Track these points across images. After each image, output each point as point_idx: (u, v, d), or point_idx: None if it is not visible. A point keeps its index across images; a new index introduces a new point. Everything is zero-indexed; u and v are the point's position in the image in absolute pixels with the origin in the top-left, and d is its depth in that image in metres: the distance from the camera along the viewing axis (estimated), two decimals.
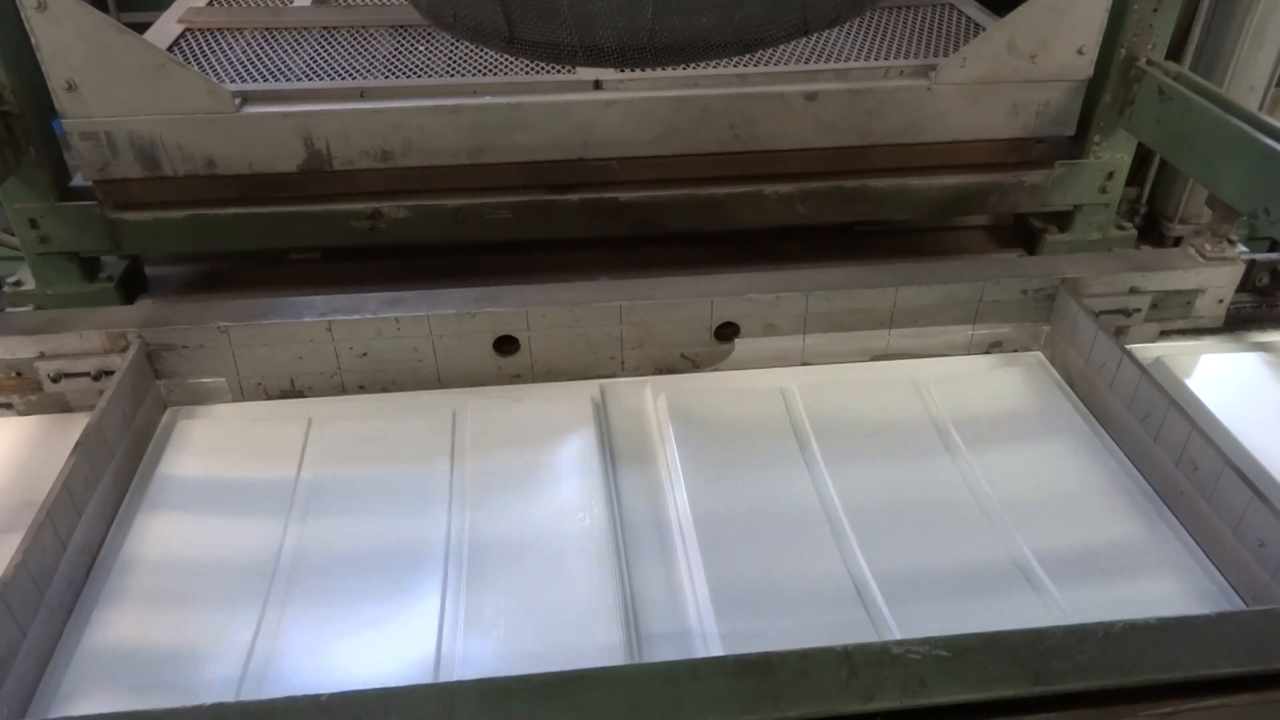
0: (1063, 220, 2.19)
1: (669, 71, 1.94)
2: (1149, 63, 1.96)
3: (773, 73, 2.02)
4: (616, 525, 1.51)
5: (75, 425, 1.53)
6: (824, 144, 2.01)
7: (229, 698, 1.23)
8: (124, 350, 1.67)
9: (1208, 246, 1.87)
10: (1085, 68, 1.99)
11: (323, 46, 2.09)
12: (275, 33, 2.15)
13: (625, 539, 1.50)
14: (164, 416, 1.75)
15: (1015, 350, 1.92)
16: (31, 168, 1.87)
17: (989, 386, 1.82)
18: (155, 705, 1.00)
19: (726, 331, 1.82)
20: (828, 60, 2.07)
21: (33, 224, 1.92)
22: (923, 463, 1.64)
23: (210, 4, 2.27)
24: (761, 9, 1.37)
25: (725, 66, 1.99)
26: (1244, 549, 1.39)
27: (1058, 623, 1.27)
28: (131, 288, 2.08)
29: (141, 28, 1.98)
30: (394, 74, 1.98)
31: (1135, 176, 2.27)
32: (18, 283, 2.02)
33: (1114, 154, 2.10)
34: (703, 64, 1.96)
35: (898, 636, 1.32)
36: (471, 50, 2.08)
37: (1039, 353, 1.91)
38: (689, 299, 1.78)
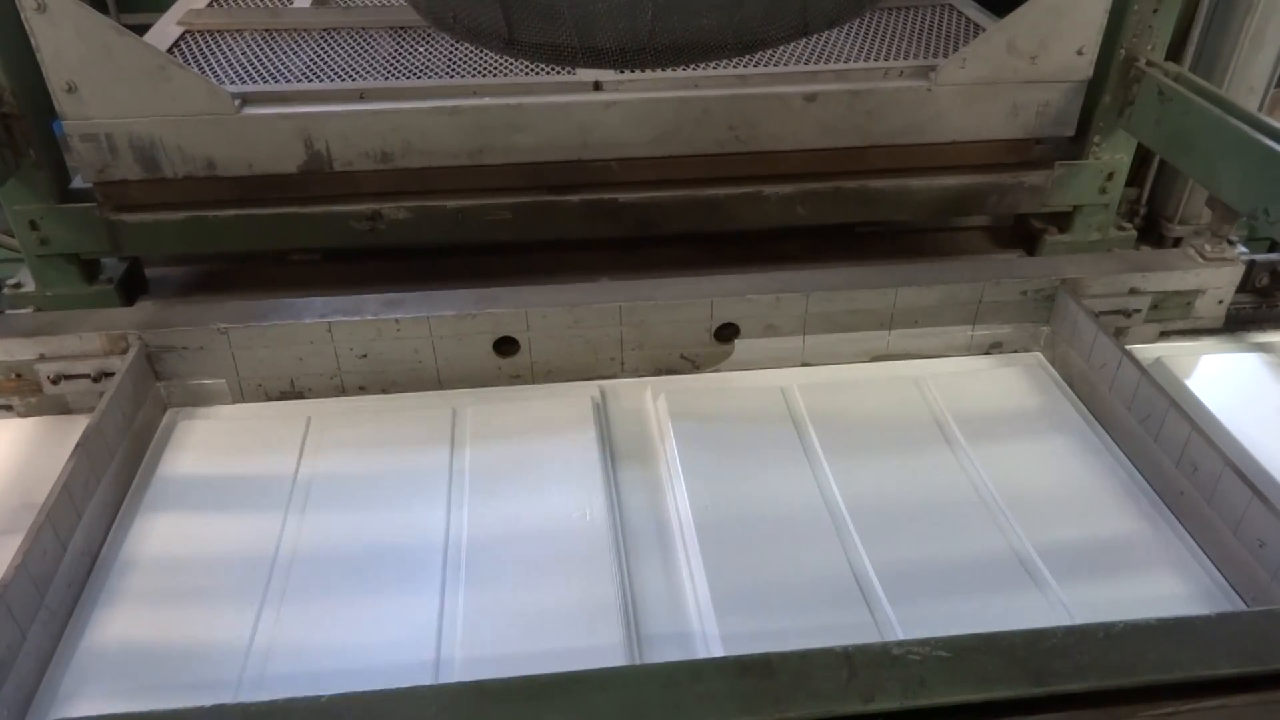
0: (1062, 221, 2.19)
1: (669, 72, 1.94)
2: (1149, 63, 1.96)
3: (773, 74, 2.02)
4: (616, 525, 1.51)
5: (75, 427, 1.53)
6: (824, 145, 2.01)
7: (228, 698, 1.23)
8: (124, 352, 1.67)
9: (1207, 247, 1.87)
10: (1085, 68, 1.99)
11: (322, 48, 2.09)
12: (275, 34, 2.15)
13: (625, 539, 1.50)
14: (164, 418, 1.75)
15: (1015, 351, 1.92)
16: (31, 169, 1.87)
17: (989, 386, 1.82)
18: (155, 706, 1.00)
19: (726, 332, 1.82)
20: (828, 61, 2.07)
21: (32, 226, 1.92)
22: (923, 462, 1.64)
23: (210, 5, 2.27)
24: (761, 10, 1.37)
25: (725, 67, 1.99)
26: (1244, 549, 1.39)
27: (1060, 623, 1.28)
28: (131, 289, 2.08)
29: (141, 29, 1.98)
30: (394, 75, 1.98)
31: (1135, 177, 2.27)
32: (17, 284, 2.02)
33: (1114, 155, 2.10)
34: (703, 65, 1.96)
35: (901, 636, 1.32)
36: (471, 51, 2.08)
37: (1039, 353, 1.91)
38: (689, 300, 1.78)
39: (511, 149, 1.94)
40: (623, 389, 1.82)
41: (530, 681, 1.01)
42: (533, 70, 2.00)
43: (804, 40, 2.08)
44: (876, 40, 2.16)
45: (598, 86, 1.95)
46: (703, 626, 1.36)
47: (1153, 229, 2.38)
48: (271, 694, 1.01)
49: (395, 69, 2.01)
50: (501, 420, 1.72)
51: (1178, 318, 1.92)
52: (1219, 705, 1.06)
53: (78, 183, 1.96)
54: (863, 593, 1.41)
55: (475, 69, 2.01)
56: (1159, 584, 1.42)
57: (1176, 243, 2.34)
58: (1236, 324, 1.95)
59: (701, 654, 1.32)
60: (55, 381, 1.70)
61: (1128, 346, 1.73)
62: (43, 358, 1.68)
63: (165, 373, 1.74)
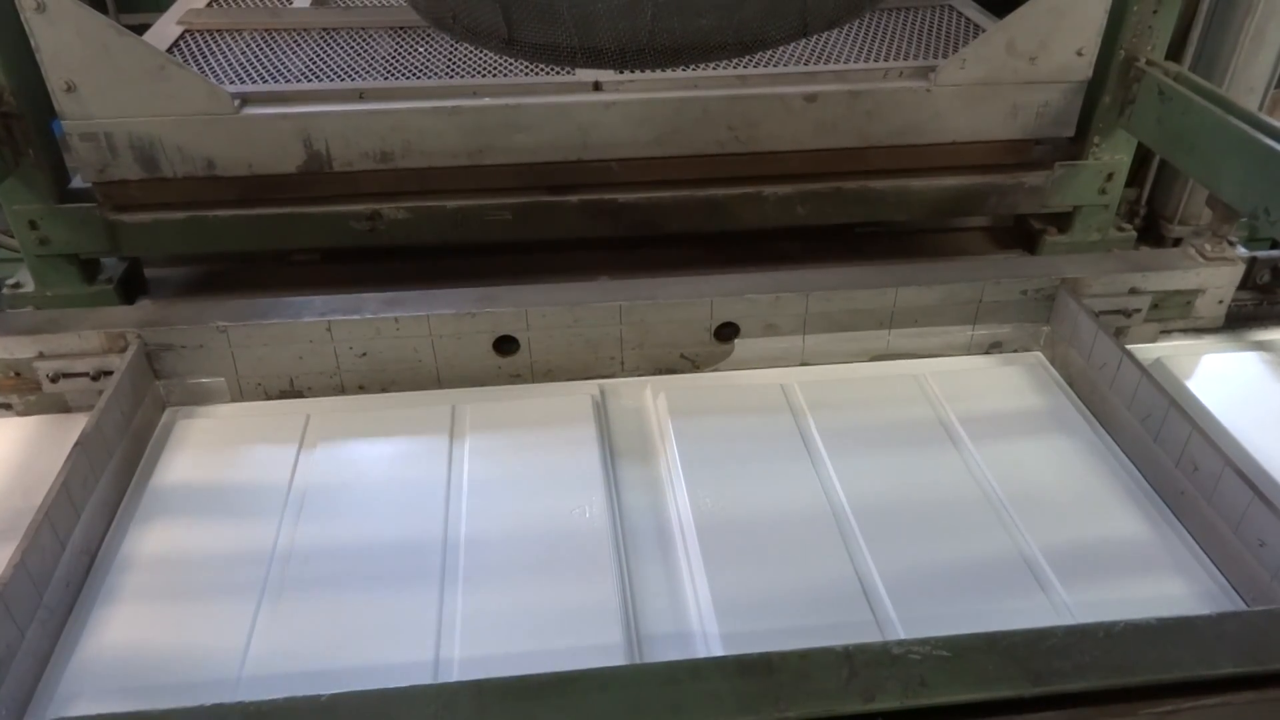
0: (1062, 221, 2.19)
1: (669, 73, 1.94)
2: (1149, 63, 1.96)
3: (772, 74, 2.02)
4: (616, 524, 1.51)
5: (74, 426, 1.53)
6: (823, 145, 2.01)
7: (227, 698, 1.22)
8: (123, 350, 1.67)
9: (1208, 247, 1.87)
10: (1084, 69, 1.99)
11: (322, 48, 2.09)
12: (274, 34, 2.15)
13: (625, 538, 1.50)
14: (163, 416, 1.75)
15: (1015, 350, 1.92)
16: (31, 169, 1.86)
17: (989, 385, 1.82)
18: (154, 705, 1.00)
19: (726, 332, 1.82)
20: (827, 62, 2.07)
21: (32, 225, 1.92)
22: (924, 461, 1.64)
23: (210, 5, 2.27)
24: (761, 10, 1.37)
25: (725, 68, 1.99)
26: (1244, 549, 1.39)
27: (1061, 622, 1.28)
28: (131, 289, 2.08)
29: (141, 29, 1.98)
30: (393, 75, 1.98)
31: (1135, 178, 2.27)
32: (17, 284, 2.01)
33: (1113, 155, 2.10)
34: (702, 65, 1.96)
35: (901, 636, 1.31)
36: (471, 52, 2.08)
37: (1039, 353, 1.91)
38: (688, 299, 1.78)
39: (511, 149, 1.94)
40: (623, 388, 1.82)
41: (529, 681, 1.01)
42: (532, 70, 2.00)
43: (803, 41, 2.08)
44: (876, 41, 2.16)
45: (597, 87, 1.95)
46: (703, 626, 1.36)
47: (1152, 229, 2.38)
48: (270, 693, 1.01)
49: (395, 69, 2.01)
50: (501, 419, 1.72)
51: (1178, 317, 1.92)
52: (1220, 703, 1.06)
53: (77, 182, 1.96)
54: (864, 591, 1.40)
55: (475, 69, 2.01)
56: (1159, 584, 1.42)
57: (1176, 243, 2.33)
58: (1237, 321, 1.95)
59: (701, 653, 1.31)
60: (54, 380, 1.69)
61: (1128, 346, 1.73)
62: (41, 356, 1.68)
63: (164, 371, 1.74)
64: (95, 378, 1.69)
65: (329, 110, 1.87)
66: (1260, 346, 1.92)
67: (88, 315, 1.73)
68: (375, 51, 2.08)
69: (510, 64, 2.02)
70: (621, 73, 1.86)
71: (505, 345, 1.79)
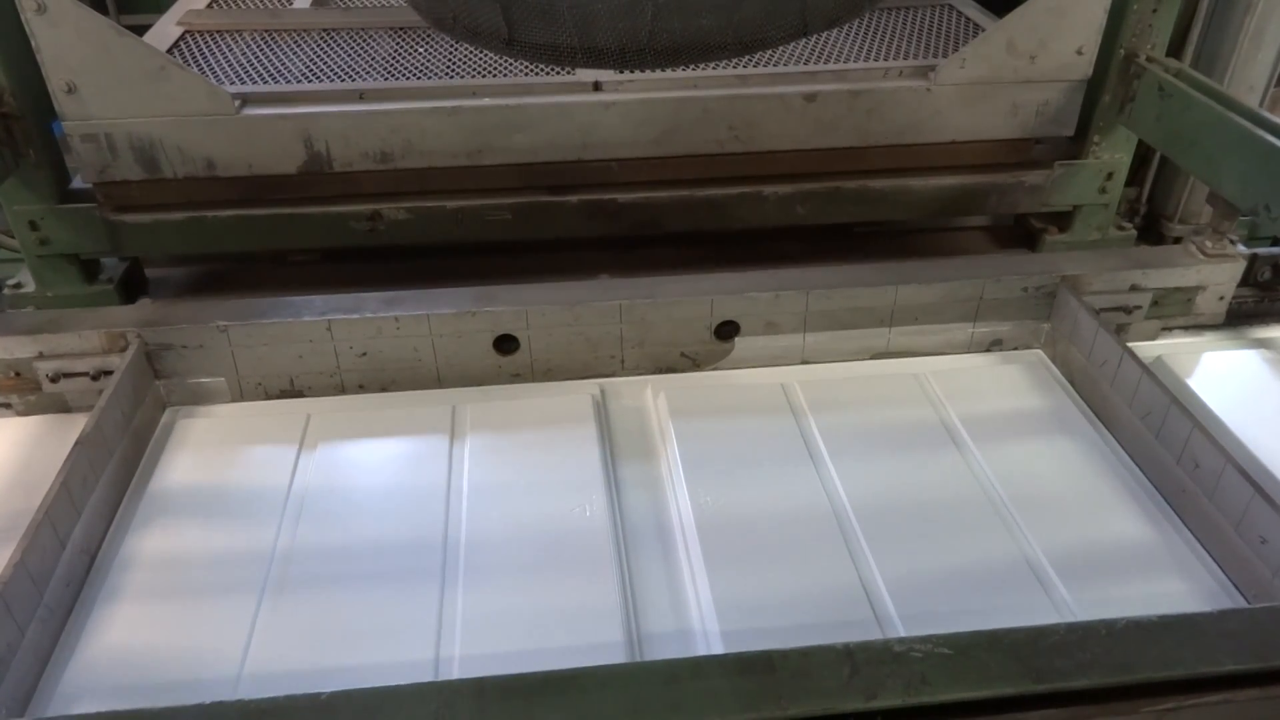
0: (1062, 221, 2.19)
1: (668, 73, 1.94)
2: (1149, 59, 1.96)
3: (772, 74, 2.02)
4: (617, 523, 1.51)
5: (74, 426, 1.53)
6: (823, 145, 2.01)
7: (227, 697, 1.22)
8: (123, 350, 1.67)
9: (1208, 243, 1.87)
10: (1084, 68, 1.99)
11: (322, 48, 2.09)
12: (275, 35, 2.15)
13: (626, 537, 1.50)
14: (163, 416, 1.74)
15: (1016, 348, 1.92)
16: (31, 170, 1.87)
17: (990, 384, 1.82)
18: (154, 704, 1.00)
19: (727, 330, 1.82)
20: (827, 61, 2.07)
21: (33, 226, 1.92)
22: (925, 459, 1.63)
23: (210, 6, 2.27)
24: (761, 10, 1.37)
25: (725, 68, 1.99)
26: (1246, 546, 1.38)
27: (1063, 620, 1.27)
28: (132, 290, 2.08)
29: (141, 30, 1.98)
30: (393, 76, 1.98)
31: (1135, 177, 2.27)
32: (18, 285, 2.01)
33: (1113, 154, 2.10)
34: (702, 65, 1.96)
35: (902, 634, 1.31)
36: (471, 52, 2.08)
37: (1039, 351, 1.91)
38: (689, 297, 1.78)
39: (511, 149, 1.94)
40: (623, 387, 1.81)
41: (529, 679, 1.00)
42: (532, 71, 2.00)
43: (803, 40, 2.08)
44: (876, 40, 2.16)
45: (597, 87, 1.95)
46: (704, 625, 1.36)
47: (1152, 228, 2.38)
48: (270, 692, 1.01)
49: (395, 69, 2.01)
50: (501, 418, 1.72)
51: (1179, 314, 1.91)
52: (1222, 700, 1.06)
53: (78, 183, 1.96)
54: (865, 590, 1.40)
55: (475, 69, 2.01)
56: (1160, 582, 1.42)
57: (1176, 242, 2.33)
58: (1238, 318, 1.95)
59: (702, 652, 1.31)
60: (54, 380, 1.69)
61: (1128, 344, 1.73)
62: (41, 356, 1.68)
63: (164, 371, 1.74)
64: (95, 377, 1.69)
65: (329, 111, 1.87)
66: (1261, 344, 1.92)
67: (88, 315, 1.73)
68: (375, 52, 2.08)
69: (510, 64, 2.02)
70: (621, 73, 1.86)
71: (505, 344, 1.79)
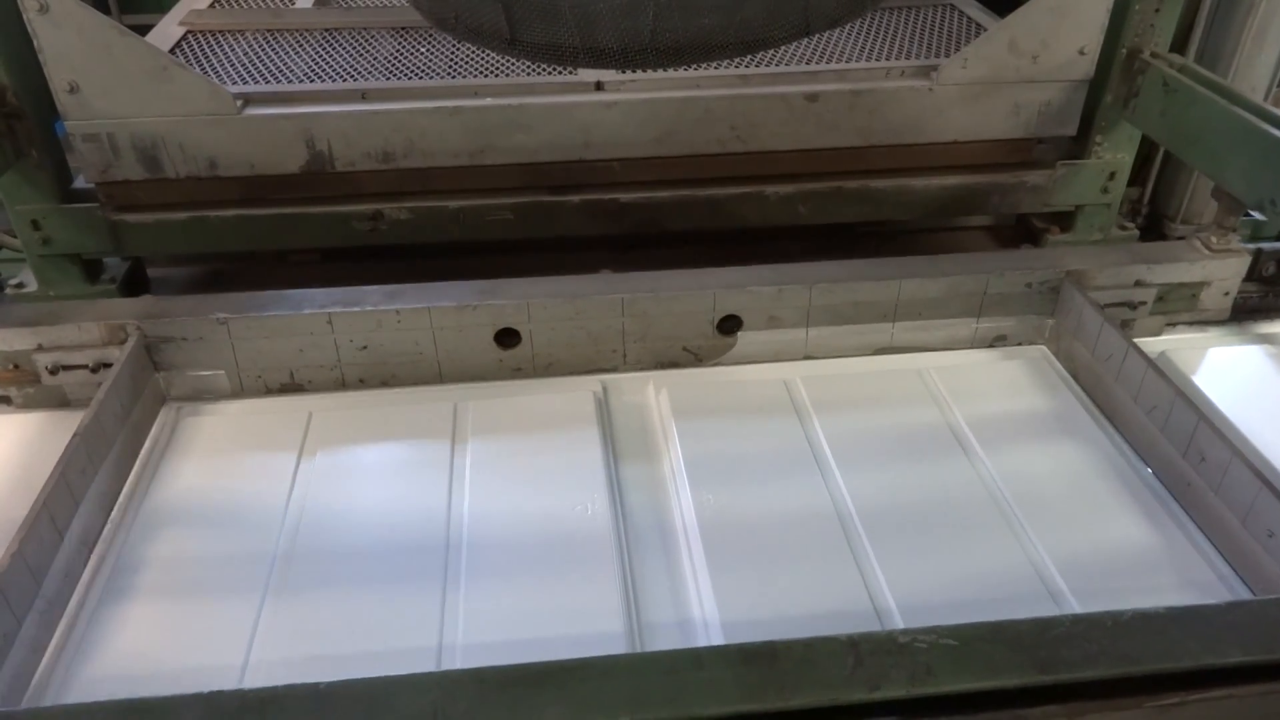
0: (1064, 221, 2.18)
1: (670, 72, 1.94)
2: (1153, 55, 1.95)
3: (774, 73, 2.02)
4: (619, 521, 1.50)
5: (74, 423, 1.51)
6: (825, 144, 2.01)
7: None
8: (122, 342, 1.66)
9: (1213, 239, 1.86)
10: (1086, 68, 1.99)
11: (324, 48, 2.10)
12: (277, 34, 2.15)
13: (628, 534, 1.49)
14: (163, 409, 1.73)
15: (1019, 344, 1.91)
16: (34, 169, 1.86)
17: (994, 379, 1.81)
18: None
19: (729, 324, 1.81)
20: (829, 61, 2.07)
21: (35, 225, 1.92)
22: (929, 457, 1.63)
23: (212, 6, 2.28)
24: (763, 10, 1.37)
25: (726, 67, 1.99)
26: (1253, 540, 1.37)
27: (1064, 613, 1.26)
28: (134, 289, 2.07)
29: (143, 30, 1.98)
30: (395, 75, 1.98)
31: (1137, 176, 2.26)
32: (20, 284, 2.01)
33: (1116, 154, 2.10)
34: (704, 65, 1.96)
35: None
36: (473, 52, 2.08)
37: (1043, 346, 1.90)
38: (691, 291, 1.77)
39: (513, 149, 1.94)
40: (625, 384, 1.81)
41: (530, 669, 1.00)
42: (534, 70, 2.00)
43: (805, 40, 2.08)
44: (878, 40, 2.16)
45: (599, 86, 1.95)
46: (705, 615, 1.35)
47: (1155, 228, 2.37)
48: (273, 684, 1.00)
49: (397, 69, 2.01)
50: (503, 416, 1.71)
51: (1183, 310, 1.91)
52: (1225, 695, 1.05)
53: (80, 183, 1.96)
54: (866, 587, 1.39)
55: (477, 69, 2.01)
56: (1165, 576, 1.41)
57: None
58: (1243, 314, 1.95)
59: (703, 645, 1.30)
60: (53, 372, 1.68)
61: (1133, 339, 1.72)
62: (41, 348, 1.67)
63: (164, 363, 1.73)
64: (95, 370, 1.68)
65: (331, 110, 1.88)
66: (1266, 340, 1.91)
67: (87, 307, 1.72)
68: (377, 52, 2.08)
69: (512, 64, 2.02)
70: (623, 72, 1.86)
71: (507, 338, 1.78)
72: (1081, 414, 1.71)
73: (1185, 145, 1.88)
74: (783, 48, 2.08)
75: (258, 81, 1.95)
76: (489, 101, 1.91)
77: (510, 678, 0.99)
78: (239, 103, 1.85)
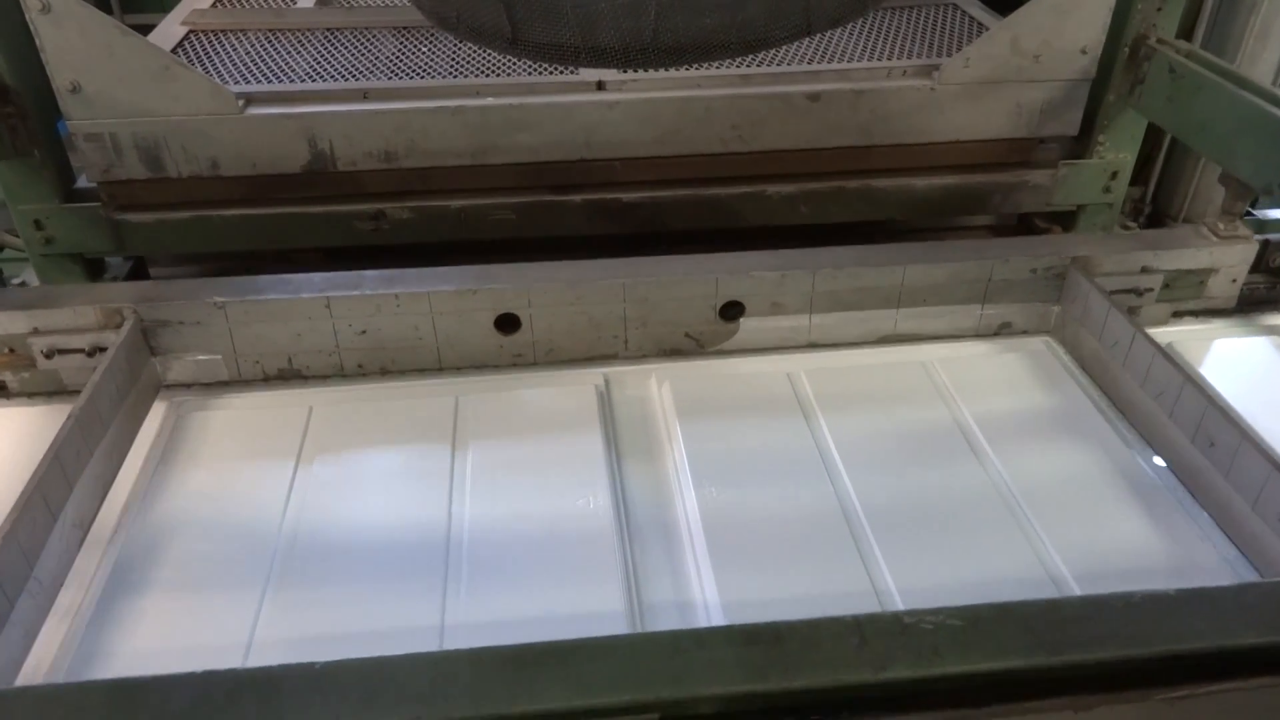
0: (1066, 220, 2.18)
1: (672, 72, 1.94)
2: (1160, 41, 1.94)
3: (775, 73, 2.03)
4: (620, 517, 1.48)
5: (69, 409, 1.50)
6: (827, 144, 2.01)
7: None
8: (118, 326, 1.64)
9: (1220, 225, 1.84)
10: (1089, 67, 1.99)
11: (326, 48, 2.10)
12: (279, 34, 2.16)
13: (630, 531, 1.47)
14: (159, 394, 1.72)
15: (1025, 332, 1.89)
16: (36, 169, 1.87)
17: (999, 369, 1.79)
18: None
19: (731, 311, 1.79)
20: (830, 60, 2.07)
21: (37, 225, 1.92)
22: (934, 449, 1.61)
23: (214, 6, 2.29)
24: (764, 9, 1.37)
25: (728, 67, 1.99)
26: (1263, 523, 1.35)
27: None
28: None
29: (145, 29, 1.99)
30: (397, 75, 1.99)
31: (1139, 176, 2.26)
32: (22, 284, 2.01)
33: (1118, 153, 2.10)
34: (706, 64, 1.96)
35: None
36: (474, 51, 2.09)
37: (1049, 335, 1.88)
38: (693, 277, 1.75)
39: (515, 149, 1.94)
40: (627, 376, 1.79)
41: (529, 649, 0.98)
42: (536, 70, 2.01)
43: (807, 40, 2.08)
44: (879, 39, 2.16)
45: (601, 86, 1.96)
46: (706, 603, 1.33)
47: (1157, 228, 2.36)
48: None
49: (399, 69, 2.01)
50: (505, 411, 1.70)
51: (1190, 297, 1.88)
52: (1233, 688, 1.03)
53: (82, 182, 1.97)
54: (871, 581, 1.37)
55: (478, 69, 2.02)
56: (1175, 561, 1.39)
57: None
58: (1249, 305, 1.93)
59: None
60: (49, 356, 1.66)
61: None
62: (36, 331, 1.65)
63: (160, 347, 1.71)
64: (90, 354, 1.65)
65: (333, 110, 1.88)
66: (1272, 331, 1.89)
67: (83, 291, 1.71)
68: (379, 51, 2.09)
69: (514, 63, 2.03)
70: (625, 72, 1.86)
71: (507, 323, 1.75)
72: (1088, 403, 1.70)
73: (1192, 131, 1.87)
74: (784, 47, 2.09)
75: (260, 81, 1.95)
76: (491, 101, 1.91)
77: (509, 658, 0.97)
78: (241, 102, 1.85)
